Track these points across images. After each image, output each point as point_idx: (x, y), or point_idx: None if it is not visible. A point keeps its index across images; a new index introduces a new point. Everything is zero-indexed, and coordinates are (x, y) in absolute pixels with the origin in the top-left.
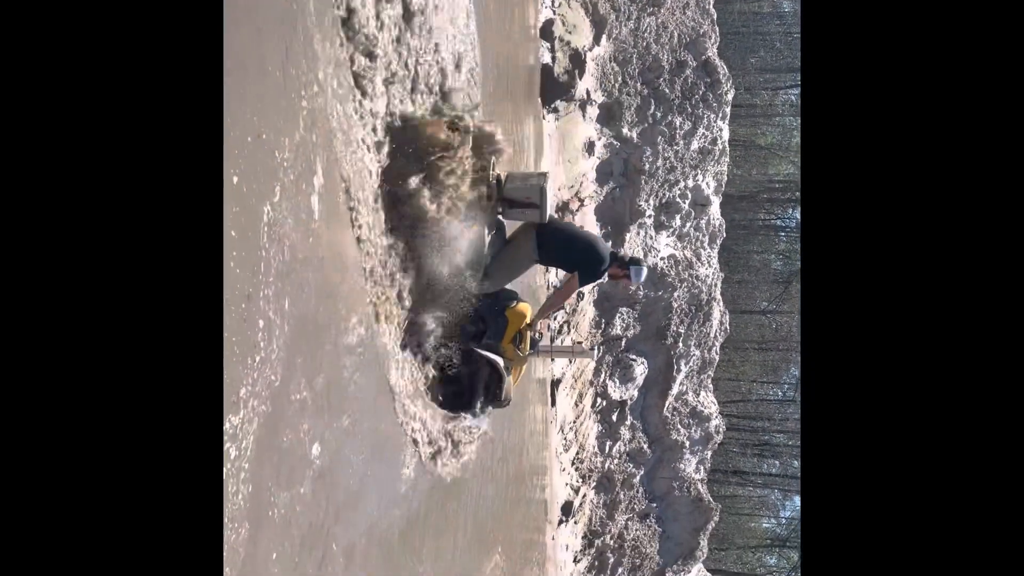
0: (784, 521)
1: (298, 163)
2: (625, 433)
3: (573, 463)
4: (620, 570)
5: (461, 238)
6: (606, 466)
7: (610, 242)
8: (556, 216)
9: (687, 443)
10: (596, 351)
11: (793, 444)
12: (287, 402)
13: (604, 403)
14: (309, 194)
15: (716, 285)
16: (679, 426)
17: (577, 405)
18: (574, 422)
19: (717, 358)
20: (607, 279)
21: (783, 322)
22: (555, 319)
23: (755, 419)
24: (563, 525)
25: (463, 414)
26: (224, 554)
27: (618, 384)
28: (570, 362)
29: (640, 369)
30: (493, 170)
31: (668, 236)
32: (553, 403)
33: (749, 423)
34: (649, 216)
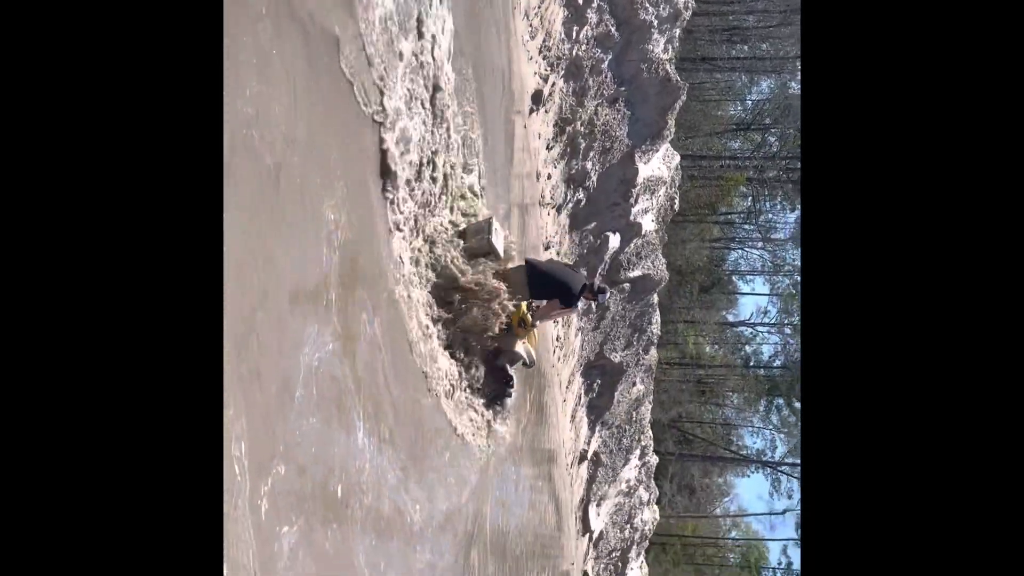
0: (749, 105)
1: None
2: (592, 16)
3: (540, 51)
4: (591, 154)
5: None
6: (574, 53)
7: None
8: (536, 259)
9: (655, 22)
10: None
11: (762, 25)
12: None
13: None
14: None
15: None
16: (647, 4)
17: None
18: (539, 7)
19: None
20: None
21: None
22: None
23: (725, 3)
24: (534, 114)
25: (507, 390)
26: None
27: None
28: (562, 322)
29: None
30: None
31: None
32: None
33: (718, 8)
34: None
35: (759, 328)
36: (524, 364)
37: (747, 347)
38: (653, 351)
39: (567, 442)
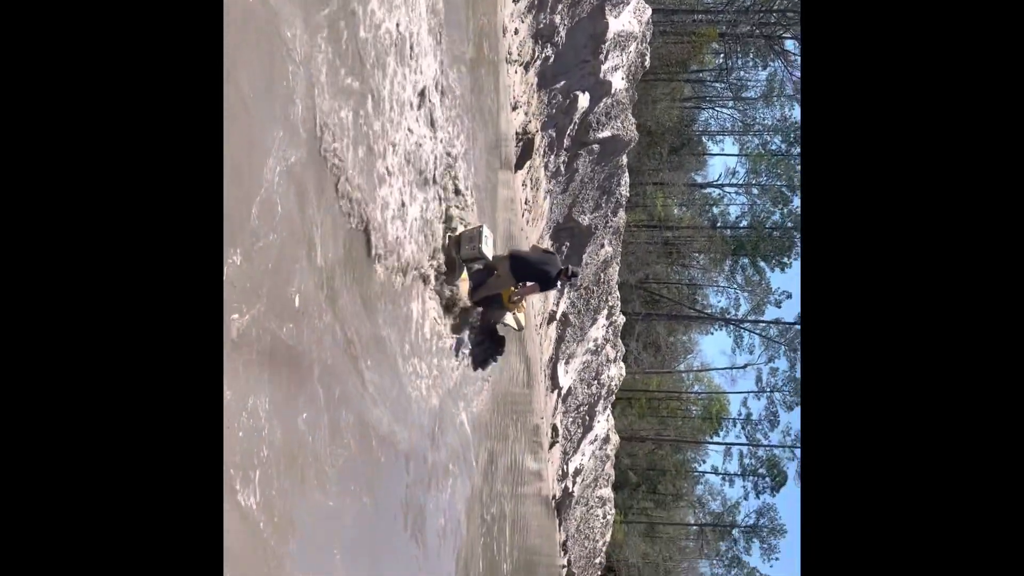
0: None
1: None
2: None
3: None
4: (560, 6)
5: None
6: None
7: None
8: (518, 249)
9: None
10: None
11: None
12: None
13: None
14: None
15: None
16: None
17: None
18: None
19: None
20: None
21: None
22: None
23: None
24: None
25: (495, 353)
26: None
27: None
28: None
29: None
30: (448, 237)
31: None
32: None
33: None
34: None
35: (727, 189)
36: (514, 328)
37: (714, 208)
38: (621, 213)
39: (536, 303)
